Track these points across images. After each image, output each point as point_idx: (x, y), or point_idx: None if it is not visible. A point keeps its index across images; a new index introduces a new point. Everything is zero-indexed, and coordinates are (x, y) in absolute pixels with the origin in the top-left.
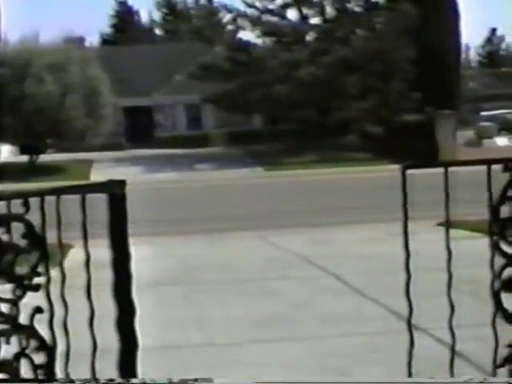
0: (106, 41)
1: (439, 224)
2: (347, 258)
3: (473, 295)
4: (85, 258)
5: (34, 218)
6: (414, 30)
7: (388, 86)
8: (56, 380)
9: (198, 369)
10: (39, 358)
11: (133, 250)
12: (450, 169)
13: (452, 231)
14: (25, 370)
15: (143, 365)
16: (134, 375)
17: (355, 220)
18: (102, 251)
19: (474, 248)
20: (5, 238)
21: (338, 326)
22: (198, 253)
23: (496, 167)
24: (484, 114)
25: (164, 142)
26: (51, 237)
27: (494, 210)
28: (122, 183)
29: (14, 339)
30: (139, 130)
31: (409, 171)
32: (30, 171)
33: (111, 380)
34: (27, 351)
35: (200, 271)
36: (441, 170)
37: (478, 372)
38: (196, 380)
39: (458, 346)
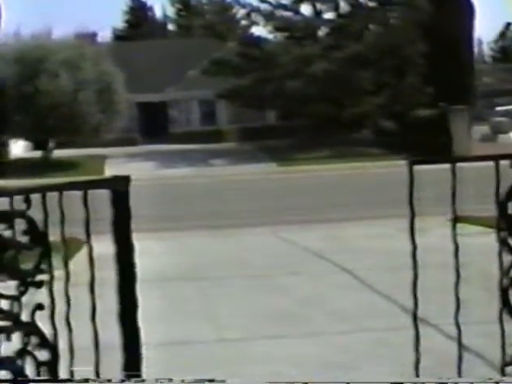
0: (119, 36)
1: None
2: (359, 254)
3: (485, 290)
4: (88, 254)
5: (39, 215)
6: (428, 25)
7: (402, 81)
8: (72, 380)
9: (207, 364)
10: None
11: (143, 245)
12: (466, 164)
13: (466, 226)
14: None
15: (152, 361)
16: (139, 370)
17: (368, 215)
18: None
19: (486, 243)
20: (7, 234)
21: (348, 321)
22: (209, 248)
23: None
24: (499, 109)
25: (178, 138)
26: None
27: (502, 205)
28: (125, 179)
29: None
30: (153, 125)
31: (423, 167)
32: (44, 167)
33: (123, 380)
34: (29, 348)
35: (211, 266)
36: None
37: (488, 368)
38: (211, 381)
39: (469, 341)
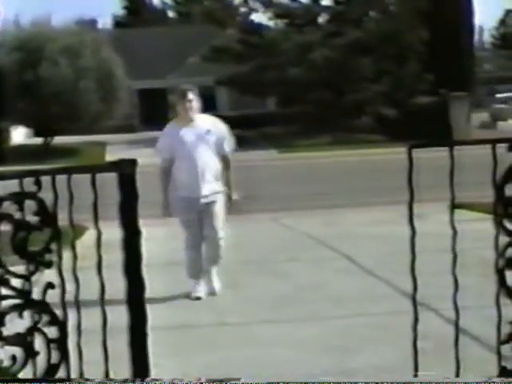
0: (118, 23)
1: (454, 206)
2: (359, 240)
3: (483, 275)
4: (96, 236)
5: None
6: (428, 12)
7: (402, 68)
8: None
9: (210, 348)
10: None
11: (148, 230)
12: (468, 152)
13: (467, 213)
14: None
15: (155, 344)
16: (145, 351)
17: (368, 202)
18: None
19: (486, 229)
20: (18, 215)
21: (349, 306)
22: None
23: None
24: (499, 96)
25: None
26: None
27: (499, 189)
28: (132, 162)
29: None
30: (154, 111)
31: (426, 154)
32: (45, 153)
33: (141, 380)
34: (39, 326)
35: None
36: (460, 151)
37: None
38: (224, 379)
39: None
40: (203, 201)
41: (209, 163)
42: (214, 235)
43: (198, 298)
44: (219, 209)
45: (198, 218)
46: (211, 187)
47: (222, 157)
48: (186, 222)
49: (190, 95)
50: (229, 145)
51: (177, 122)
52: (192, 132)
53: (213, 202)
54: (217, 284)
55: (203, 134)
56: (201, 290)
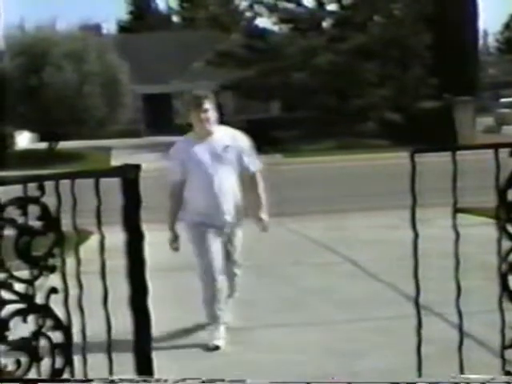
0: (123, 28)
1: (457, 210)
2: (364, 244)
3: (486, 280)
4: (99, 241)
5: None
6: (432, 16)
7: (406, 72)
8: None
9: (213, 352)
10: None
11: (151, 235)
12: (472, 157)
13: (470, 217)
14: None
15: (159, 348)
16: (149, 356)
17: (373, 206)
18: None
19: (490, 234)
20: (21, 220)
21: (354, 310)
22: None
23: None
24: (503, 100)
25: (183, 129)
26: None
27: (502, 193)
28: (136, 167)
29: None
30: (158, 116)
31: (430, 159)
32: (49, 158)
33: (145, 380)
34: (44, 330)
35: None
36: (463, 155)
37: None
38: (229, 381)
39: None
40: (224, 230)
41: (228, 185)
42: (232, 272)
43: (217, 348)
44: (239, 241)
45: (215, 246)
46: (232, 214)
47: (247, 177)
48: (201, 252)
49: (206, 104)
50: (253, 163)
51: (191, 136)
52: (208, 148)
53: (233, 233)
54: (228, 316)
55: (221, 151)
56: (219, 337)
